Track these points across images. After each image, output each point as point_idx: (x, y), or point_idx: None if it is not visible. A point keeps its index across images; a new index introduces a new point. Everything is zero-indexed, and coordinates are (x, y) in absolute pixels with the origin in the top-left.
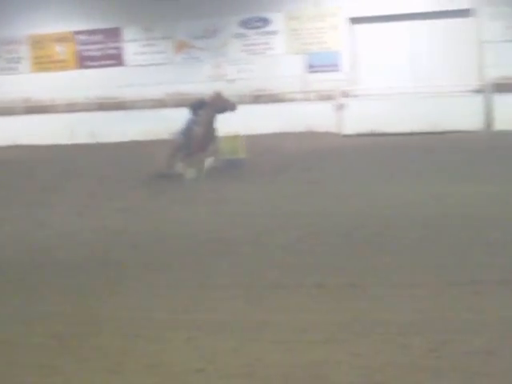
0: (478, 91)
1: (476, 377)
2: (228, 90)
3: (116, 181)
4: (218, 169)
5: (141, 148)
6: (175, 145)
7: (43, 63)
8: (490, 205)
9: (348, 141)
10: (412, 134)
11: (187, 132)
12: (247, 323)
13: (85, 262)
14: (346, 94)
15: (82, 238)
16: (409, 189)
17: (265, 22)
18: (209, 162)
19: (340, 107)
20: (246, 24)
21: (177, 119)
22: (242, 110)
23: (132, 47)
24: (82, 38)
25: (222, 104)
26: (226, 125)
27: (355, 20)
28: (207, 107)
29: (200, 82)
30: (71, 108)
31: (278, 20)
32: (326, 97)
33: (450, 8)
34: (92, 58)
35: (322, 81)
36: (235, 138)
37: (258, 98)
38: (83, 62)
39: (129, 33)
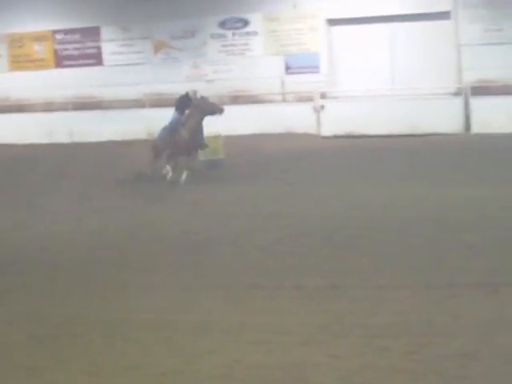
0: (457, 94)
1: (453, 379)
2: (207, 91)
3: (94, 181)
4: (197, 169)
5: (118, 148)
6: (158, 145)
7: (21, 62)
8: (468, 208)
9: (327, 142)
10: (391, 136)
11: (172, 132)
12: (226, 324)
13: (63, 262)
14: (324, 96)
15: (61, 239)
16: (387, 191)
17: (244, 22)
18: (184, 175)
19: (320, 109)
20: (225, 25)
21: (155, 119)
22: None
23: (110, 47)
24: (61, 37)
25: (209, 107)
26: (205, 125)
27: (334, 22)
28: (194, 110)
29: (178, 82)
30: (49, 107)
31: (256, 21)
32: (304, 98)
33: (428, 10)
34: (70, 58)
35: (301, 82)
36: (215, 138)
37: (236, 99)
38: (61, 61)
39: (107, 32)
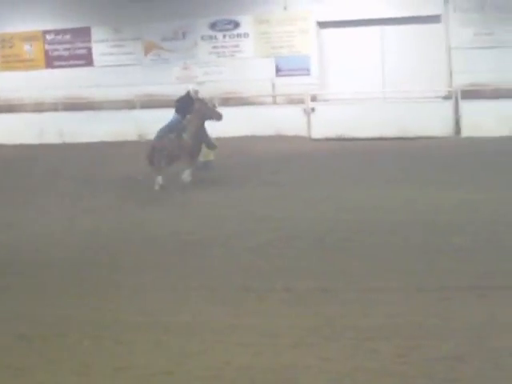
0: (447, 97)
1: (443, 382)
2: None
3: (85, 181)
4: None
5: (109, 149)
6: (156, 145)
7: (11, 62)
8: (458, 211)
9: (317, 145)
10: (381, 139)
11: (172, 133)
12: (216, 326)
13: (53, 262)
14: (315, 99)
15: (51, 239)
16: (378, 194)
17: (234, 24)
18: (186, 174)
19: (310, 111)
20: (216, 26)
21: (145, 120)
22: None
23: (101, 48)
24: (51, 37)
25: (208, 112)
26: None
27: (325, 24)
28: (194, 115)
29: (169, 83)
30: (39, 107)
31: (247, 23)
32: (295, 101)
33: (419, 14)
34: (61, 58)
35: (292, 85)
36: None
37: (227, 101)
38: (52, 61)
39: (98, 33)
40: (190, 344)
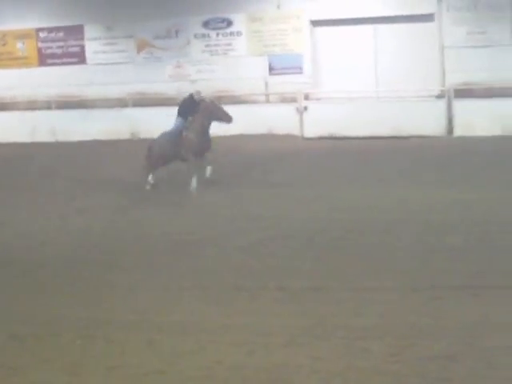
0: (440, 96)
1: (436, 381)
2: (190, 91)
3: (77, 180)
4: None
5: (102, 147)
6: (154, 148)
7: (4, 60)
8: (451, 210)
9: (309, 144)
10: (374, 138)
11: (176, 139)
12: (208, 325)
13: (46, 261)
14: (308, 97)
15: (44, 238)
16: (371, 193)
17: (227, 22)
18: (209, 170)
19: (303, 110)
20: (209, 24)
21: (138, 118)
22: None
23: (94, 45)
24: (44, 35)
25: (218, 113)
26: None
27: (318, 23)
28: (200, 114)
29: (161, 81)
30: (32, 105)
31: (240, 21)
32: (288, 99)
33: (412, 12)
34: (54, 56)
35: (285, 83)
36: None
37: (219, 99)
38: (45, 59)
39: (90, 31)
40: (183, 343)
